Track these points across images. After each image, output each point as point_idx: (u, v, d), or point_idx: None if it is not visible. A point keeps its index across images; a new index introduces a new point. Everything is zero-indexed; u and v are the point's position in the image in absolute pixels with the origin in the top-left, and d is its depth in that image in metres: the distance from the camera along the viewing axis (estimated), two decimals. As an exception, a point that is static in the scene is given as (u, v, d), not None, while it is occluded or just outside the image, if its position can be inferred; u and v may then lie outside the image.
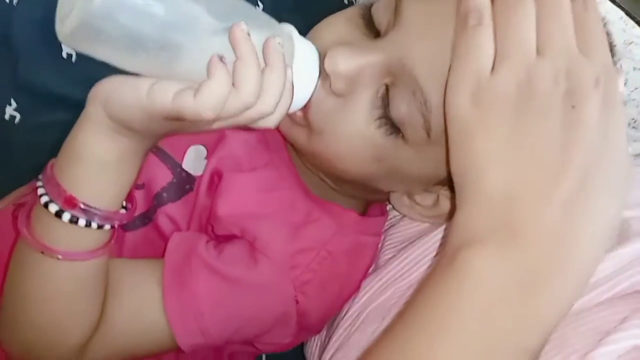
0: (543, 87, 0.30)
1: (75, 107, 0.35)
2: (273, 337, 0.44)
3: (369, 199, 0.48)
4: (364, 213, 0.48)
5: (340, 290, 0.44)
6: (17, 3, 0.67)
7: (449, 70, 0.33)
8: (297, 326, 0.43)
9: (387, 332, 0.30)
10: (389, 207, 0.51)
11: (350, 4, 0.75)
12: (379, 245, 0.48)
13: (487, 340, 0.28)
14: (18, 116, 0.63)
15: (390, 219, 0.50)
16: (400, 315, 0.30)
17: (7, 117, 0.63)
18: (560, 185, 0.29)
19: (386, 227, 0.50)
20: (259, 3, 0.72)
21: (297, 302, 0.42)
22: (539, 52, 0.31)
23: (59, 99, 0.62)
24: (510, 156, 0.30)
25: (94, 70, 0.34)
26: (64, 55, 0.62)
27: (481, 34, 0.32)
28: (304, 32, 0.52)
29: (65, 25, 0.30)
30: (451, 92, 0.32)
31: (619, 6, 0.62)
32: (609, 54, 0.32)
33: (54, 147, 0.37)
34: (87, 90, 0.35)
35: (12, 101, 0.63)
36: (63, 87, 0.62)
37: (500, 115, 0.30)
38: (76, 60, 0.62)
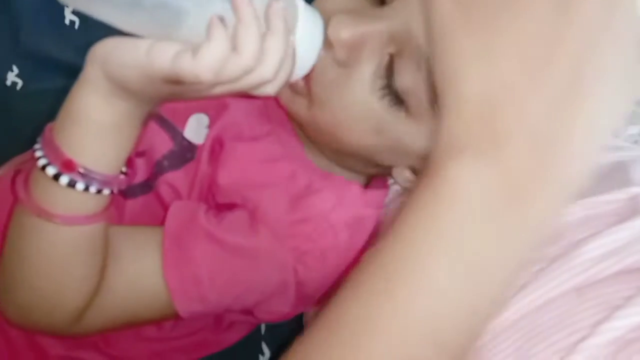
0: None
1: (78, 74, 0.35)
2: (272, 306, 0.44)
3: (371, 173, 0.47)
4: (365, 186, 0.48)
5: (340, 261, 0.44)
6: (19, -33, 0.66)
7: None
8: (295, 296, 0.43)
9: (373, 253, 0.27)
10: (390, 181, 0.50)
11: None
12: (381, 219, 0.47)
13: (471, 256, 0.25)
14: (20, 82, 0.63)
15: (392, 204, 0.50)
16: (383, 239, 0.27)
17: (8, 83, 0.62)
18: (547, 80, 0.25)
19: (388, 201, 0.49)
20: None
21: (296, 271, 0.42)
22: None
23: (62, 65, 0.62)
24: (492, 53, 0.26)
25: (97, 37, 0.34)
26: (67, 22, 0.62)
27: None
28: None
29: None
30: None
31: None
32: None
33: (55, 114, 0.37)
34: (89, 57, 0.34)
35: (14, 67, 0.63)
36: (65, 54, 0.62)
37: (481, 10, 0.27)
38: (79, 27, 0.61)
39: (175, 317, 0.42)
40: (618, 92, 0.26)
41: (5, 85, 0.62)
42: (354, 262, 0.45)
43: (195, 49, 0.30)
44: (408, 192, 0.44)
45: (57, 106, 0.38)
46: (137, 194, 0.45)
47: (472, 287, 0.26)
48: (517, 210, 0.25)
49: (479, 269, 0.26)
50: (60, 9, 0.62)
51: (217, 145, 0.45)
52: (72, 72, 0.35)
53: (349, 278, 0.27)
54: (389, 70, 0.37)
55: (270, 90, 0.34)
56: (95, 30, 0.33)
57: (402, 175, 0.44)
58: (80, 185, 0.35)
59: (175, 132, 0.46)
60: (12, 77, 0.63)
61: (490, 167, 0.25)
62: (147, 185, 0.46)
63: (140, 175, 0.45)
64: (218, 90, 0.33)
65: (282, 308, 0.44)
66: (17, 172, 0.42)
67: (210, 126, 0.46)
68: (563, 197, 0.26)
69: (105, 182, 0.35)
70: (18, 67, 0.63)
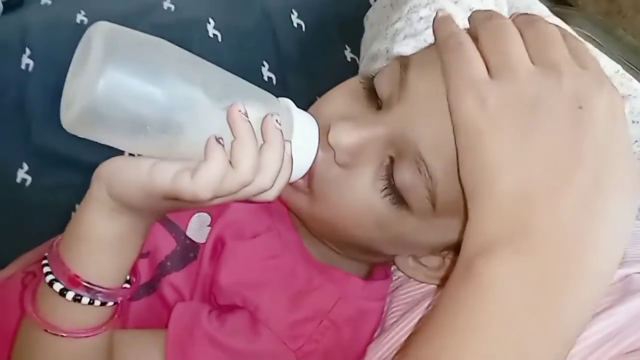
0: (549, 93, 0.31)
1: (86, 171, 0.36)
2: (277, 410, 0.43)
3: (373, 261, 0.48)
4: (368, 276, 0.48)
5: (343, 358, 0.44)
6: (32, 70, 0.70)
7: (447, 81, 0.34)
8: (301, 398, 0.43)
9: (411, 348, 0.29)
10: (393, 268, 0.50)
11: (353, 61, 0.77)
12: (385, 309, 0.47)
13: (515, 349, 0.27)
14: (29, 179, 0.65)
15: (396, 279, 0.50)
16: (418, 336, 0.29)
17: (18, 180, 0.64)
18: (573, 184, 0.29)
19: (392, 289, 0.49)
20: (265, 63, 0.74)
21: (300, 373, 0.42)
22: (534, 64, 0.32)
23: (70, 162, 0.64)
24: (521, 157, 0.30)
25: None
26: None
27: (468, 49, 0.33)
28: (308, 91, 0.53)
29: (70, 112, 0.31)
30: (456, 99, 0.32)
31: (616, 60, 0.63)
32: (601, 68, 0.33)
33: (61, 208, 0.37)
34: (97, 154, 0.35)
35: (24, 164, 0.65)
36: (74, 151, 0.64)
37: (509, 116, 0.31)
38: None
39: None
40: (631, 197, 0.30)
41: (16, 182, 0.64)
42: (359, 357, 0.45)
43: (194, 169, 0.31)
44: (437, 291, 0.45)
45: (64, 202, 0.39)
46: (140, 295, 0.46)
47: None
48: (554, 303, 0.27)
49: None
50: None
51: (218, 245, 0.45)
52: (80, 168, 0.36)
53: None
54: (390, 171, 0.38)
55: (269, 197, 0.35)
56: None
57: (405, 262, 0.44)
58: (85, 300, 0.35)
59: (178, 232, 0.47)
60: (22, 174, 0.65)
61: (525, 262, 0.28)
62: (151, 286, 0.46)
63: (143, 277, 0.46)
64: (218, 201, 0.34)
65: None
66: (26, 275, 0.43)
67: (211, 224, 0.47)
68: (596, 289, 0.28)
69: (109, 295, 0.36)
70: (28, 164, 0.65)
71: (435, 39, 0.36)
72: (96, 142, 0.35)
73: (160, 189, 0.32)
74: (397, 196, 0.38)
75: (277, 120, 0.34)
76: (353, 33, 0.77)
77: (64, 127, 0.32)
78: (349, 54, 0.78)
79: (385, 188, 0.38)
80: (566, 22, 0.63)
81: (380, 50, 0.63)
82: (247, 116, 0.32)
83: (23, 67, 0.70)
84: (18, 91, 0.69)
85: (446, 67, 0.34)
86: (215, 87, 0.34)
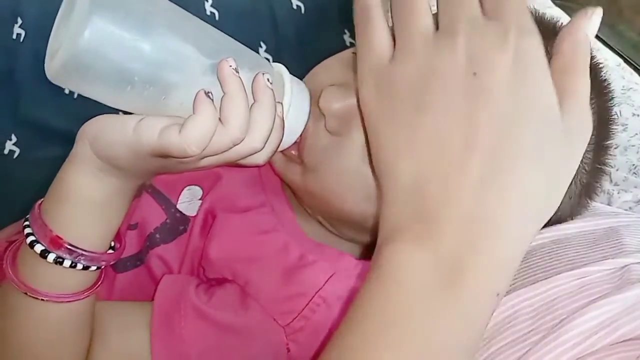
0: (441, 61, 0.27)
1: (74, 143, 0.35)
2: (263, 385, 0.42)
3: (366, 241, 0.47)
4: (362, 257, 0.47)
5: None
6: (23, 39, 0.68)
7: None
8: (288, 375, 0.42)
9: (329, 343, 0.28)
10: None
11: (352, 46, 0.77)
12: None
13: (417, 339, 0.26)
14: (17, 151, 0.63)
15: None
16: (339, 329, 0.28)
17: (6, 151, 0.63)
18: (468, 163, 0.26)
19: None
20: (262, 44, 0.73)
21: (288, 350, 0.40)
22: (438, 30, 0.28)
23: (59, 134, 0.63)
24: (414, 142, 0.28)
25: (95, 107, 0.34)
26: (67, 91, 0.63)
27: (374, 27, 0.30)
28: (305, 74, 0.52)
29: (54, 61, 0.30)
30: (360, 87, 0.30)
31: (616, 53, 0.63)
32: (525, 10, 0.28)
33: (50, 182, 0.36)
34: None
35: (13, 136, 0.63)
36: (64, 123, 0.62)
37: (401, 100, 0.28)
38: (78, 97, 0.63)
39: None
40: (547, 172, 0.27)
41: (3, 154, 0.63)
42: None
43: (182, 125, 0.30)
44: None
45: (52, 175, 0.38)
46: (127, 267, 0.45)
47: None
48: (453, 290, 0.26)
49: (426, 352, 0.26)
50: (61, 79, 0.63)
51: (209, 218, 0.44)
52: (69, 140, 0.36)
53: None
54: None
55: (259, 160, 0.34)
56: (94, 100, 0.34)
57: None
58: (67, 262, 0.34)
59: (168, 204, 0.46)
60: (9, 145, 0.63)
61: (424, 250, 0.26)
62: (138, 259, 0.45)
63: (131, 249, 0.44)
64: (207, 162, 0.33)
65: None
66: (8, 245, 0.42)
67: (203, 198, 0.46)
68: (498, 275, 0.27)
69: (92, 259, 0.35)
70: (16, 135, 0.63)
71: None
72: (87, 115, 0.34)
73: (147, 145, 0.31)
74: None
75: (268, 80, 0.33)
76: (352, 18, 0.76)
77: (48, 77, 0.31)
78: (347, 39, 0.77)
79: None
80: (568, 16, 0.63)
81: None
82: (237, 72, 0.31)
83: (14, 36, 0.68)
84: (8, 61, 0.67)
85: (357, 46, 0.32)
86: (207, 43, 0.33)
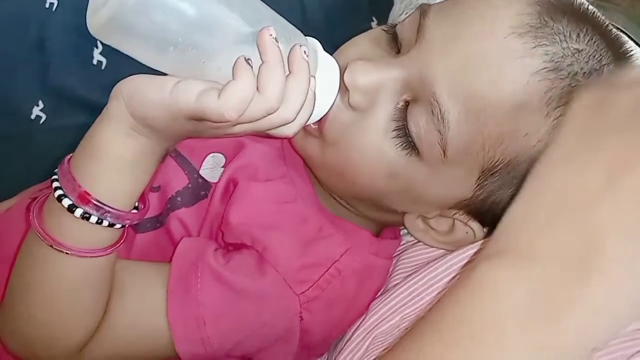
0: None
1: (100, 113, 0.36)
2: (275, 354, 0.43)
3: (383, 221, 0.47)
4: (377, 235, 0.47)
5: (346, 311, 0.43)
6: (56, 9, 0.69)
7: None
8: (299, 344, 0.42)
9: (405, 337, 0.28)
10: (403, 231, 0.50)
11: (379, 30, 0.77)
12: (390, 270, 0.47)
13: (498, 356, 0.25)
14: (44, 117, 0.64)
15: (403, 244, 0.49)
16: (417, 327, 0.28)
17: (33, 116, 0.64)
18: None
19: (398, 252, 0.49)
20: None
21: (301, 319, 0.41)
22: None
23: (86, 103, 0.63)
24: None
25: (123, 77, 0.35)
26: (94, 62, 0.64)
27: None
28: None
29: (98, 16, 0.30)
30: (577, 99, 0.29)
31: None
32: None
33: (73, 150, 0.37)
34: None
35: (40, 102, 0.64)
36: (90, 93, 0.63)
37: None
38: (105, 67, 0.63)
39: (176, 358, 0.41)
40: None
41: (30, 119, 0.64)
42: (361, 312, 0.44)
43: (220, 88, 0.31)
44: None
45: (77, 143, 0.39)
46: (147, 228, 0.45)
47: None
48: (550, 321, 0.25)
49: None
50: (89, 49, 0.64)
51: (231, 185, 0.45)
52: (95, 110, 0.37)
53: None
54: (403, 115, 0.38)
55: (289, 131, 0.35)
56: (122, 71, 0.34)
57: (414, 224, 0.44)
58: (93, 218, 0.35)
59: (191, 169, 0.47)
60: (37, 111, 0.64)
61: (525, 274, 0.26)
62: (158, 220, 0.46)
63: (152, 210, 0.45)
64: (239, 129, 0.33)
65: (284, 357, 0.43)
66: (32, 200, 0.43)
67: (225, 165, 0.47)
68: (606, 319, 0.26)
69: (118, 217, 0.36)
70: (44, 102, 0.64)
71: None
72: (115, 85, 0.34)
73: (184, 107, 0.31)
74: (408, 141, 0.38)
75: (305, 52, 0.33)
76: (381, 5, 0.76)
77: (90, 31, 0.32)
78: (374, 26, 0.77)
79: (397, 129, 0.38)
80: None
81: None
82: (277, 42, 0.32)
83: (47, 5, 0.69)
84: (40, 29, 0.68)
85: None
86: (249, 11, 0.33)
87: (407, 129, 0.37)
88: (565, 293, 0.25)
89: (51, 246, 0.36)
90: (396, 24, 0.41)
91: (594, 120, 0.27)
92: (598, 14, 0.42)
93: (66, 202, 0.35)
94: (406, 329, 0.29)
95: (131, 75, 0.34)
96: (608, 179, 0.25)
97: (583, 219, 0.25)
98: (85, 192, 0.35)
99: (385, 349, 0.29)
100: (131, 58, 0.33)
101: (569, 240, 0.26)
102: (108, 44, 0.32)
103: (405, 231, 0.48)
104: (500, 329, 0.26)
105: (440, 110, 0.36)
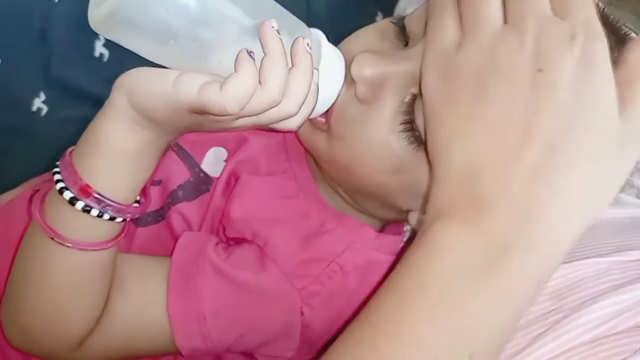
0: (507, 54, 0.28)
1: (102, 105, 0.35)
2: (275, 349, 0.42)
3: (387, 217, 0.47)
4: (380, 231, 0.47)
5: (347, 306, 0.43)
6: (59, 0, 0.69)
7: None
8: (300, 339, 0.42)
9: (364, 308, 0.30)
10: (406, 227, 0.49)
11: (383, 23, 0.76)
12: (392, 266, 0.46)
13: (454, 315, 0.27)
14: (45, 109, 0.64)
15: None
16: (375, 296, 0.30)
17: (34, 108, 0.64)
18: (524, 154, 0.27)
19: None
20: (292, 17, 0.73)
21: (302, 313, 0.41)
22: (506, 21, 0.29)
23: (87, 96, 0.63)
24: (473, 128, 0.29)
25: (125, 70, 0.34)
26: (97, 54, 0.64)
27: (446, 15, 0.31)
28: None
29: (99, 10, 0.30)
30: (424, 72, 0.32)
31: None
32: (593, 13, 0.29)
33: (76, 143, 0.37)
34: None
35: (42, 94, 0.64)
36: (92, 85, 0.63)
37: (464, 88, 0.29)
38: (108, 60, 0.63)
39: (176, 353, 0.41)
40: (600, 173, 0.28)
41: (31, 111, 0.64)
42: (361, 308, 0.44)
43: (222, 82, 0.30)
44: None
45: (78, 135, 0.39)
46: (148, 222, 0.45)
47: (455, 344, 0.27)
48: (496, 271, 0.27)
49: (462, 327, 0.27)
50: (91, 41, 0.64)
51: (232, 179, 0.45)
52: (97, 103, 0.36)
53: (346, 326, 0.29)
54: (411, 109, 0.37)
55: (292, 125, 0.34)
56: (124, 63, 0.34)
57: (419, 221, 0.43)
58: (94, 212, 0.35)
59: (193, 164, 0.47)
60: (38, 103, 0.64)
61: (472, 232, 0.28)
62: (160, 214, 0.46)
63: (153, 204, 0.45)
64: (241, 122, 0.33)
65: (285, 352, 0.43)
66: (34, 193, 0.43)
67: (227, 160, 0.46)
68: (542, 263, 0.28)
69: (119, 210, 0.35)
70: (45, 94, 0.64)
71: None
72: (116, 78, 0.34)
73: (186, 100, 0.31)
74: (415, 136, 0.37)
75: (308, 44, 0.33)
76: (387, -1, 0.76)
77: (91, 25, 0.31)
78: (380, 20, 0.77)
79: (404, 123, 0.37)
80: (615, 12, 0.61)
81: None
82: (279, 34, 0.31)
83: (50, -4, 0.69)
84: (43, 20, 0.68)
85: (427, 32, 0.33)
86: (250, 3, 0.33)
87: (415, 123, 0.37)
88: (512, 242, 0.27)
89: (52, 238, 0.36)
90: (404, 17, 0.40)
91: None
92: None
93: (67, 194, 0.35)
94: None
95: (133, 68, 0.34)
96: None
97: None
98: (87, 185, 0.34)
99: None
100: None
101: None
102: (109, 38, 0.32)
103: (409, 227, 0.48)
104: (453, 286, 0.27)
105: None
